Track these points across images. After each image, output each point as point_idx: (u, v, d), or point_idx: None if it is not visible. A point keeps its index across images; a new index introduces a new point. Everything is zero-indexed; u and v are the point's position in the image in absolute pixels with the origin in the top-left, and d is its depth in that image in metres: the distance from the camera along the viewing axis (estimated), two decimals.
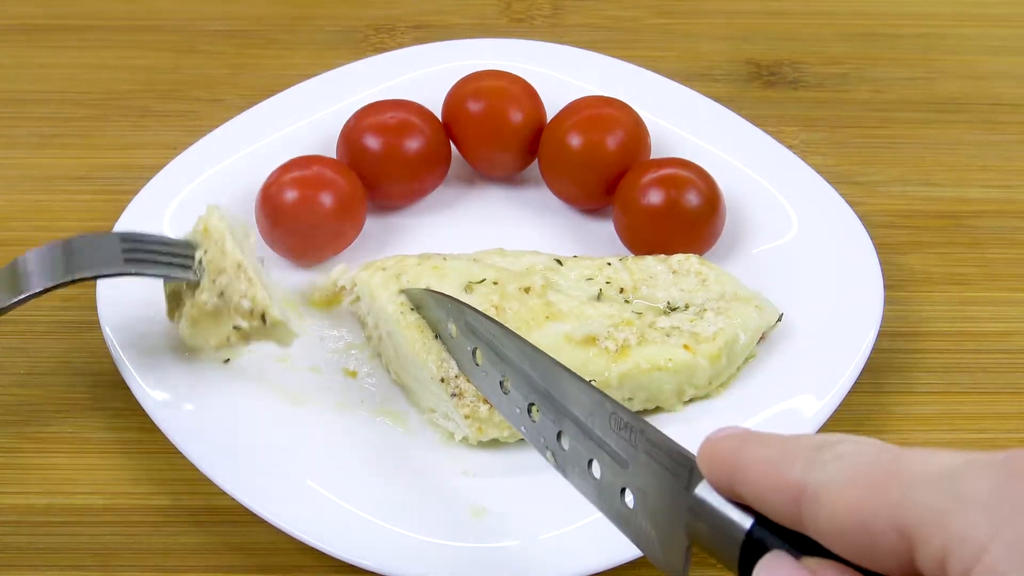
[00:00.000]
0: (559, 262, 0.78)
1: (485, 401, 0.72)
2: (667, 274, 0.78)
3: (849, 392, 0.74)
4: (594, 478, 0.57)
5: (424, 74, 0.92)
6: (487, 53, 0.93)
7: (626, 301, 0.77)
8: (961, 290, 0.85)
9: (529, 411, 0.63)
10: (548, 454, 0.61)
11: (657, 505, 0.53)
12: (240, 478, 0.70)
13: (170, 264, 0.73)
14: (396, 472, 0.72)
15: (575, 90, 0.89)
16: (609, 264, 0.78)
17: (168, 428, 0.72)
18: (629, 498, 0.55)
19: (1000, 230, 0.88)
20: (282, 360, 0.77)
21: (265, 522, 0.69)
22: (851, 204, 0.84)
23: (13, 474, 0.74)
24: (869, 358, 0.76)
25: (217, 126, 0.88)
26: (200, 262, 0.73)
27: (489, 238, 0.82)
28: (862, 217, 0.83)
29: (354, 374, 0.78)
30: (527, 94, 0.88)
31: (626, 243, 0.83)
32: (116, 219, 0.82)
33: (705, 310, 0.76)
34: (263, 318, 0.72)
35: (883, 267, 0.80)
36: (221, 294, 0.72)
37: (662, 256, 0.79)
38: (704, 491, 0.50)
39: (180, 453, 0.71)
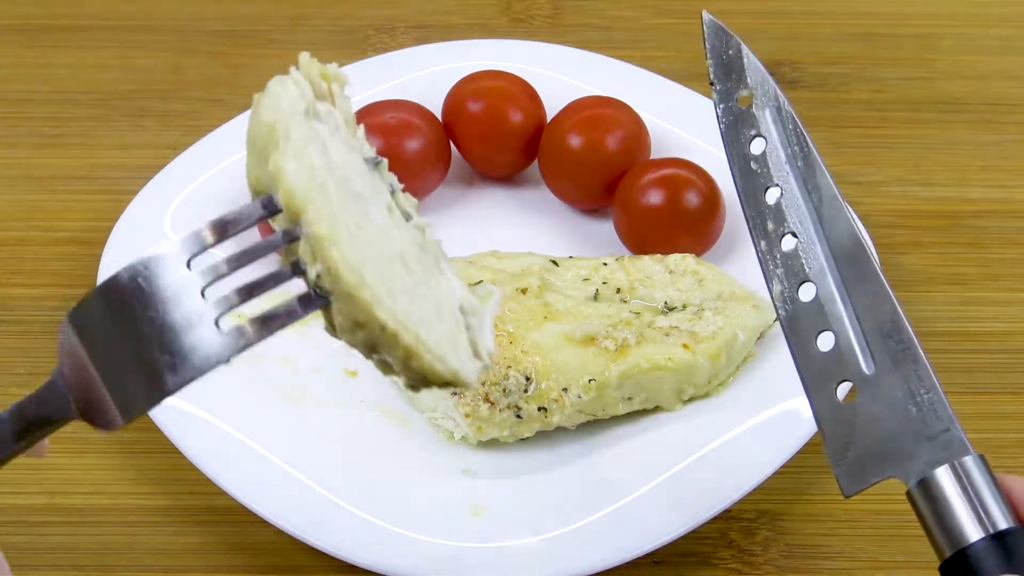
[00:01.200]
0: (555, 263, 0.78)
1: (486, 399, 0.72)
2: (664, 274, 0.78)
3: None
4: (816, 347, 0.55)
5: (424, 74, 0.92)
6: (487, 53, 0.93)
7: (623, 301, 0.77)
8: (961, 290, 0.85)
9: (782, 237, 0.58)
10: (775, 285, 0.57)
11: (877, 433, 0.52)
12: (240, 478, 0.70)
13: (281, 303, 0.49)
14: (396, 471, 0.72)
15: (575, 90, 0.89)
16: (605, 264, 0.78)
17: (168, 428, 0.72)
18: (843, 390, 0.53)
19: (1000, 230, 0.88)
20: (283, 360, 0.77)
21: (265, 522, 0.69)
22: (851, 204, 0.83)
23: (13, 474, 0.74)
24: None
25: (217, 126, 0.88)
26: (318, 279, 0.48)
27: (489, 238, 0.82)
28: (862, 217, 0.83)
29: (354, 374, 0.77)
30: (527, 94, 0.88)
31: (626, 243, 0.83)
32: (116, 219, 0.82)
33: (703, 310, 0.76)
34: (447, 384, 0.50)
35: (883, 267, 0.80)
36: (373, 347, 0.49)
37: (658, 256, 0.79)
38: (952, 474, 0.49)
39: (180, 453, 0.71)
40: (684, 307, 0.77)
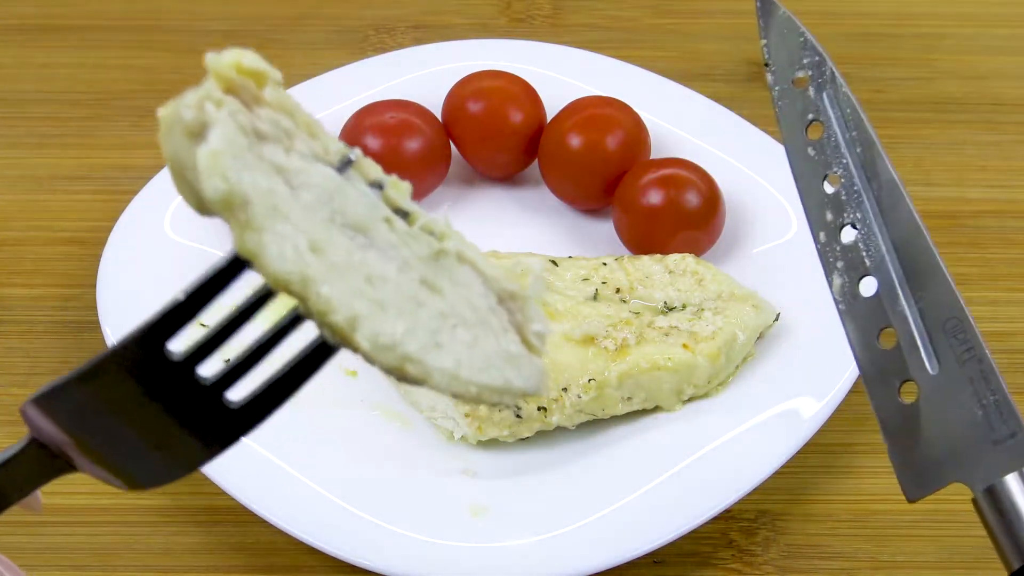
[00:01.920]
0: (554, 263, 0.78)
1: None
2: (663, 274, 0.78)
3: (849, 392, 0.74)
4: (878, 345, 0.53)
5: (424, 74, 0.92)
6: (487, 53, 0.93)
7: (623, 301, 0.77)
8: (961, 290, 0.84)
9: (841, 228, 0.55)
10: (835, 279, 0.55)
11: (942, 436, 0.50)
12: (240, 478, 0.70)
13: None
14: (396, 471, 0.72)
15: (575, 90, 0.89)
16: (605, 264, 0.78)
17: None
18: (909, 391, 0.51)
19: (1000, 230, 0.88)
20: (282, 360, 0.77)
21: (265, 522, 0.69)
22: None
23: None
24: None
25: None
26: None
27: (489, 238, 0.82)
28: None
29: (354, 373, 0.77)
30: (527, 94, 0.88)
31: (626, 243, 0.83)
32: (116, 219, 0.82)
33: (703, 310, 0.76)
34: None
35: None
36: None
37: (658, 256, 0.79)
38: (1022, 482, 0.47)
39: None
40: (684, 307, 0.77)
